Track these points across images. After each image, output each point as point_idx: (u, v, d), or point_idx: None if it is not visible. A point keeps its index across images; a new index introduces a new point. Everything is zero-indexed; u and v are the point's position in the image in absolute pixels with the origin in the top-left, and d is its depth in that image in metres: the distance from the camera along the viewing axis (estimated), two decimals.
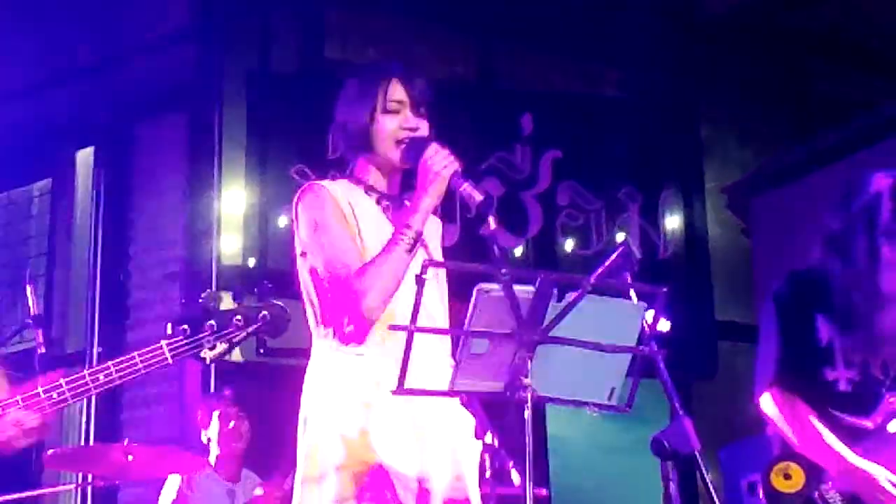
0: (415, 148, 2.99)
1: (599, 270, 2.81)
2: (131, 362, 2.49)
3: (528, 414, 2.71)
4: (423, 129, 3.07)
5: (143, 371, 2.51)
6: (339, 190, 3.04)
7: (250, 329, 2.57)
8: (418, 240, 2.95)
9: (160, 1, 7.14)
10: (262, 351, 6.40)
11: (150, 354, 2.50)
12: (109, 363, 2.49)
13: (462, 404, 3.13)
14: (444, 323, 3.05)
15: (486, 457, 4.00)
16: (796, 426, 3.26)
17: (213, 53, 6.87)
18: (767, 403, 3.31)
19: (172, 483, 5.36)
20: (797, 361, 3.27)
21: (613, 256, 2.89)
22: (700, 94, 7.97)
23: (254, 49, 7.11)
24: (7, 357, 6.40)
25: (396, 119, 3.03)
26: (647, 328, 2.83)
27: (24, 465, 6.40)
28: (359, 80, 3.11)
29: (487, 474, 4.01)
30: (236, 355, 6.56)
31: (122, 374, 2.49)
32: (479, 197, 2.94)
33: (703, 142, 7.93)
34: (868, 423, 3.25)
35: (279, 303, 2.63)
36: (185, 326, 2.53)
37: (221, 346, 2.55)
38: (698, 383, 7.19)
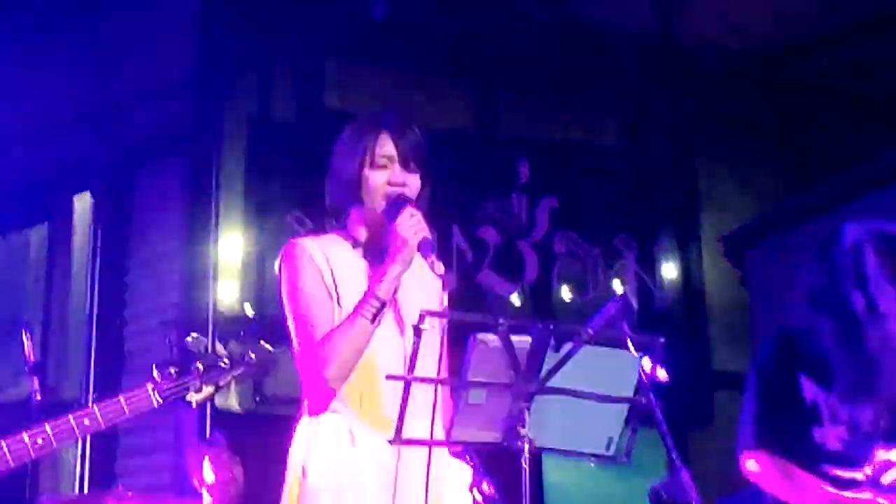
0: (393, 208, 2.97)
1: (597, 321, 2.80)
2: (116, 406, 2.48)
3: (525, 464, 2.70)
4: (412, 184, 3.03)
5: (128, 414, 2.50)
6: (318, 247, 3.02)
7: (236, 372, 2.56)
8: (382, 309, 2.91)
9: (161, 47, 7.17)
10: (258, 399, 6.43)
11: (136, 397, 2.50)
12: (94, 406, 2.48)
13: (457, 454, 3.13)
14: (431, 374, 3.01)
15: None
16: (784, 480, 3.26)
17: (212, 99, 6.90)
18: (752, 466, 3.32)
19: None
20: (781, 424, 3.28)
21: (611, 307, 2.89)
22: (697, 143, 8.01)
23: (253, 96, 7.15)
24: (2, 405, 6.39)
25: (385, 174, 3.00)
26: (644, 378, 2.83)
27: None
28: (351, 131, 3.09)
29: None
30: (233, 403, 6.61)
31: (107, 417, 2.48)
32: (440, 269, 2.95)
33: (699, 190, 7.95)
34: (860, 476, 3.24)
35: (266, 346, 2.62)
36: (172, 369, 2.52)
37: (208, 389, 2.55)
38: (695, 433, 7.17)
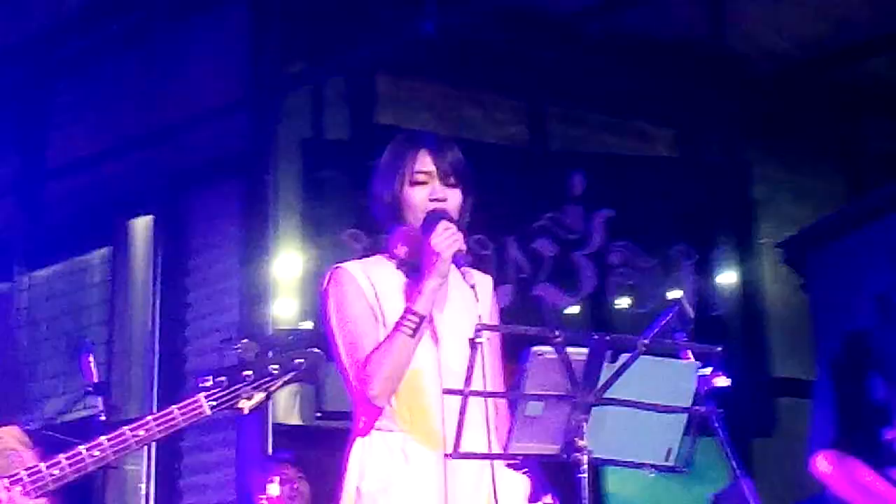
0: (429, 223, 2.98)
1: (653, 331, 2.80)
2: (170, 416, 2.51)
3: (584, 476, 2.70)
4: (453, 199, 3.03)
5: (182, 424, 2.52)
6: (361, 270, 3.05)
7: (287, 377, 2.58)
8: (422, 324, 2.93)
9: (214, 69, 7.26)
10: (320, 414, 6.47)
11: (189, 407, 2.52)
12: (149, 417, 2.51)
13: (514, 466, 3.14)
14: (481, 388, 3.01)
15: None
16: (852, 482, 3.22)
17: (266, 121, 6.96)
18: (822, 464, 3.28)
19: None
20: (852, 423, 3.24)
21: (666, 316, 2.88)
22: (752, 150, 7.95)
23: (306, 116, 7.21)
24: (68, 424, 6.49)
25: (425, 190, 3.01)
26: (703, 386, 2.81)
27: None
28: (389, 151, 3.11)
29: None
30: (294, 418, 6.64)
31: (161, 427, 2.51)
32: (470, 281, 2.93)
33: (756, 198, 7.89)
34: None
35: (317, 350, 2.64)
36: (223, 378, 2.54)
37: (259, 396, 2.56)
38: (757, 441, 7.10)
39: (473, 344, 2.69)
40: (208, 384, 2.56)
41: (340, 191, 6.99)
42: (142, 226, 7.47)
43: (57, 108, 7.88)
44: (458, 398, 2.71)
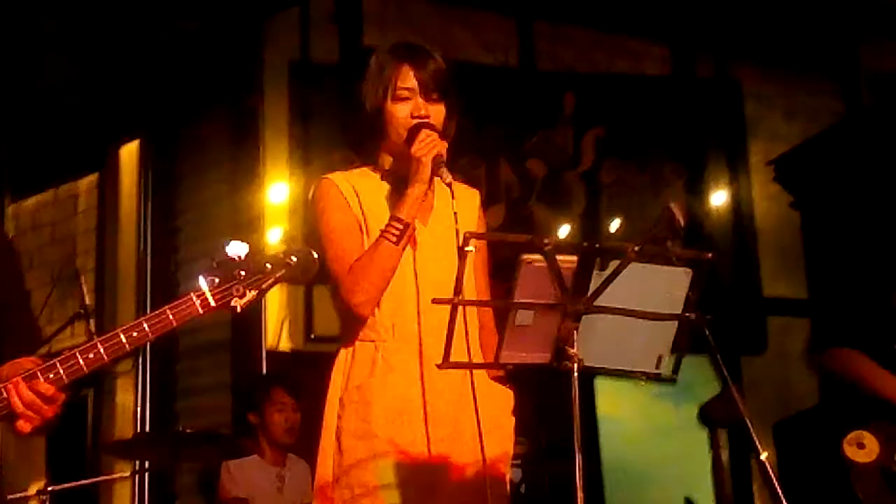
0: (412, 134, 3.00)
1: (643, 237, 2.79)
2: (162, 316, 2.50)
3: (575, 384, 2.70)
4: (436, 115, 3.06)
5: (175, 324, 2.51)
6: (346, 181, 3.07)
7: (279, 274, 2.56)
8: (407, 231, 2.96)
9: None
10: (312, 337, 6.48)
11: (181, 306, 2.51)
12: (141, 319, 2.50)
13: (498, 379, 3.15)
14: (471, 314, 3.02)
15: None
16: (865, 370, 3.24)
17: (252, 44, 6.89)
18: (840, 359, 3.30)
19: (225, 469, 5.40)
20: (868, 328, 3.27)
21: (657, 222, 2.86)
22: (745, 69, 7.89)
23: (293, 38, 7.13)
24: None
25: (407, 106, 3.04)
26: (691, 295, 2.80)
27: (81, 455, 6.49)
28: (373, 64, 3.12)
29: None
30: (285, 343, 6.65)
31: (154, 328, 2.50)
32: (447, 178, 2.93)
33: (747, 117, 7.85)
34: None
35: (306, 248, 2.63)
36: (214, 277, 2.53)
37: (251, 294, 2.54)
38: (747, 359, 7.14)
39: (462, 252, 2.68)
40: (200, 283, 2.55)
41: (330, 114, 6.93)
42: (129, 151, 7.43)
43: (41, 33, 7.79)
44: (441, 309, 2.74)
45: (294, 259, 2.57)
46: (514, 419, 3.14)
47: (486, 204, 7.22)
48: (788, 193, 7.60)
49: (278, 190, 6.81)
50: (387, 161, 3.12)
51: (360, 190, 3.07)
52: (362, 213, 3.04)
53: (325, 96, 6.97)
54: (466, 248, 2.70)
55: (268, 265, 2.55)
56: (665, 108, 7.59)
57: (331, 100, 6.85)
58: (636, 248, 2.68)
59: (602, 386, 6.74)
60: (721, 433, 2.92)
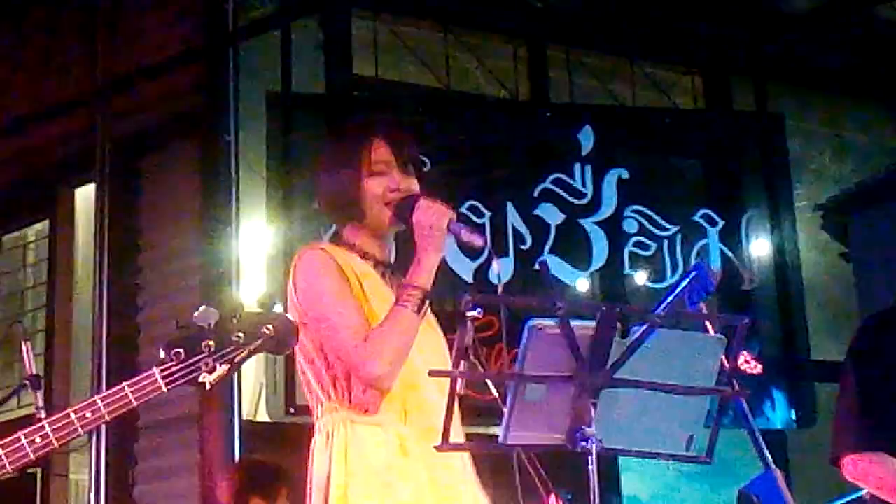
0: (405, 206, 3.13)
1: (670, 299, 2.79)
2: (120, 395, 2.50)
3: (592, 468, 2.69)
4: (414, 188, 3.20)
5: (134, 403, 2.51)
6: (341, 256, 3.17)
7: (253, 346, 2.56)
8: (426, 300, 3.06)
9: (165, 17, 7.23)
10: (292, 410, 6.46)
11: (141, 383, 2.51)
12: (96, 397, 2.50)
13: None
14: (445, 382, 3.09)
15: None
16: (889, 481, 3.25)
17: (224, 73, 6.93)
18: (855, 469, 3.32)
19: None
20: (886, 420, 3.27)
21: (686, 281, 2.87)
22: (787, 100, 7.94)
23: (272, 67, 7.18)
24: (2, 424, 6.47)
25: (384, 181, 3.17)
26: (727, 366, 2.80)
27: None
28: (339, 143, 3.30)
29: None
30: (262, 415, 6.62)
31: (110, 408, 2.50)
32: (478, 242, 3.07)
33: (791, 155, 7.88)
34: None
35: (288, 315, 2.64)
36: (180, 350, 2.53)
37: (222, 369, 2.55)
38: (795, 433, 7.12)
39: (463, 318, 2.69)
40: (163, 357, 2.55)
41: (313, 151, 6.95)
42: (84, 196, 7.45)
43: None
44: (432, 386, 2.85)
45: (270, 329, 2.58)
46: None
47: (492, 256, 7.32)
48: (839, 243, 7.62)
49: (254, 240, 6.83)
50: (362, 241, 3.23)
51: (355, 270, 3.16)
52: (363, 294, 3.13)
53: (307, 132, 7.01)
54: (468, 313, 2.71)
55: (241, 335, 2.56)
56: (697, 145, 7.62)
57: (314, 136, 6.89)
58: (662, 313, 2.69)
59: (627, 463, 6.71)
60: None
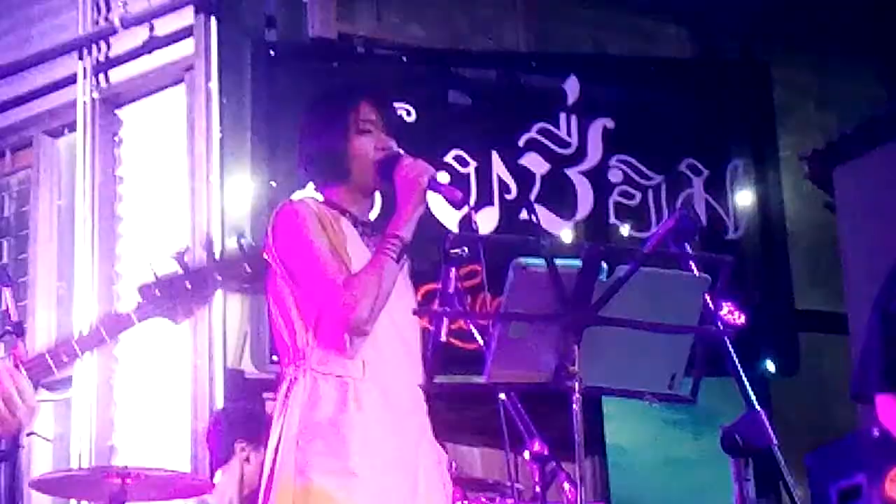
0: (389, 163, 3.26)
1: (654, 239, 2.80)
2: (95, 335, 2.52)
3: (576, 407, 2.71)
4: (395, 147, 3.34)
5: (108, 341, 2.53)
6: (326, 214, 3.27)
7: (230, 286, 2.59)
8: (406, 250, 3.16)
9: None
10: (274, 359, 6.46)
11: (116, 322, 2.52)
12: (72, 340, 2.52)
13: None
14: (413, 336, 3.23)
15: (536, 469, 4.05)
16: None
17: (208, 19, 6.89)
18: (886, 407, 3.34)
19: None
20: None
21: (670, 222, 2.88)
22: (773, 50, 7.92)
23: (259, 16, 7.13)
24: None
25: (370, 139, 3.31)
26: (710, 305, 2.82)
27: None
28: (325, 103, 3.45)
29: (537, 488, 4.06)
30: (247, 364, 6.63)
31: (85, 347, 2.52)
32: (458, 198, 3.19)
33: (777, 103, 7.88)
34: None
35: (266, 256, 2.66)
36: (157, 291, 2.54)
37: (200, 309, 2.57)
38: (777, 381, 7.16)
39: (448, 255, 2.72)
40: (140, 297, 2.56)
41: (300, 103, 6.91)
42: (66, 145, 7.42)
43: None
44: (405, 352, 2.98)
45: (249, 269, 2.60)
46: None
47: (477, 206, 7.37)
48: (823, 192, 7.62)
49: (238, 193, 6.79)
50: (345, 200, 3.33)
51: (336, 227, 3.25)
52: (346, 254, 3.20)
53: (293, 83, 6.97)
54: (452, 251, 2.73)
55: (219, 276, 2.57)
56: (682, 95, 7.60)
57: (301, 86, 6.85)
58: (646, 252, 2.70)
59: (611, 412, 6.75)
60: (746, 464, 2.92)
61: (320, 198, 3.36)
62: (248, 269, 2.60)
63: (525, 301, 2.70)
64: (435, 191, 3.21)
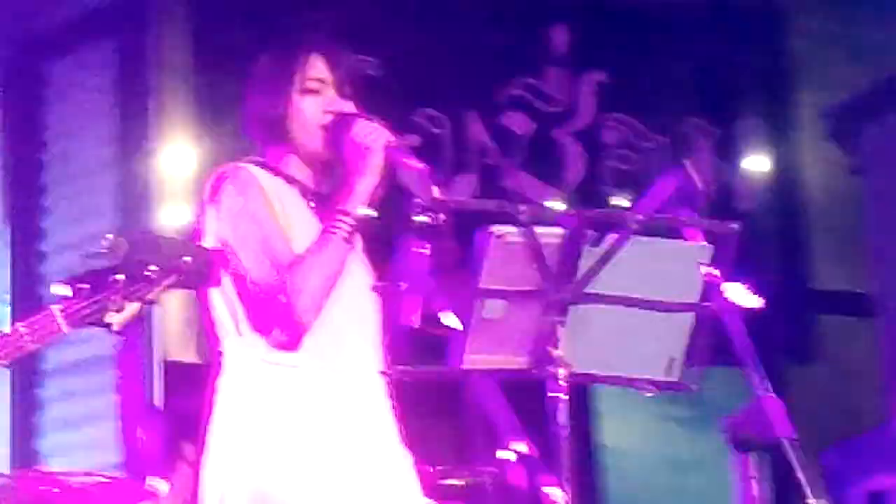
0: (340, 125, 3.20)
1: (648, 203, 2.81)
2: (14, 336, 2.51)
3: (561, 396, 2.72)
4: (350, 111, 3.27)
5: (30, 346, 2.52)
6: (267, 179, 3.25)
7: (168, 281, 2.58)
8: (356, 229, 3.13)
9: None
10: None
11: (39, 324, 2.51)
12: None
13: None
14: (371, 316, 3.22)
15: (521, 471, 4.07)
16: None
17: None
18: None
19: None
20: None
21: (667, 183, 2.89)
22: None
23: None
24: None
25: (318, 100, 3.26)
26: (714, 279, 2.83)
27: None
28: (271, 55, 3.37)
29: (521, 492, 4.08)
30: (191, 355, 6.64)
31: (4, 350, 2.51)
32: (417, 167, 3.08)
33: (795, 58, 7.90)
34: None
35: (209, 248, 2.65)
36: (85, 284, 2.53)
37: (132, 307, 2.56)
38: (794, 368, 7.20)
39: (411, 223, 2.71)
40: (65, 293, 2.55)
41: (246, 57, 6.88)
42: None
43: None
44: (363, 315, 3.00)
45: (188, 260, 2.59)
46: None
47: (453, 172, 7.37)
48: (848, 155, 7.64)
49: (178, 157, 6.79)
50: (290, 166, 3.30)
51: (280, 195, 3.24)
52: (286, 222, 3.20)
53: (239, 34, 6.95)
54: (417, 218, 2.73)
55: (153, 269, 2.56)
56: (688, 45, 7.61)
57: (247, 39, 6.83)
58: (639, 217, 2.71)
59: (606, 407, 6.77)
60: (754, 460, 2.92)
61: (256, 163, 3.34)
62: (188, 261, 2.58)
63: (500, 275, 2.70)
64: (392, 162, 3.13)
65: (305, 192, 3.29)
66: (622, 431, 6.91)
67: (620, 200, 7.28)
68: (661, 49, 7.52)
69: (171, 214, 6.70)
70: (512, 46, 7.37)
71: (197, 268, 2.64)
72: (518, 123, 7.25)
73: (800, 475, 2.96)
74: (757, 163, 7.58)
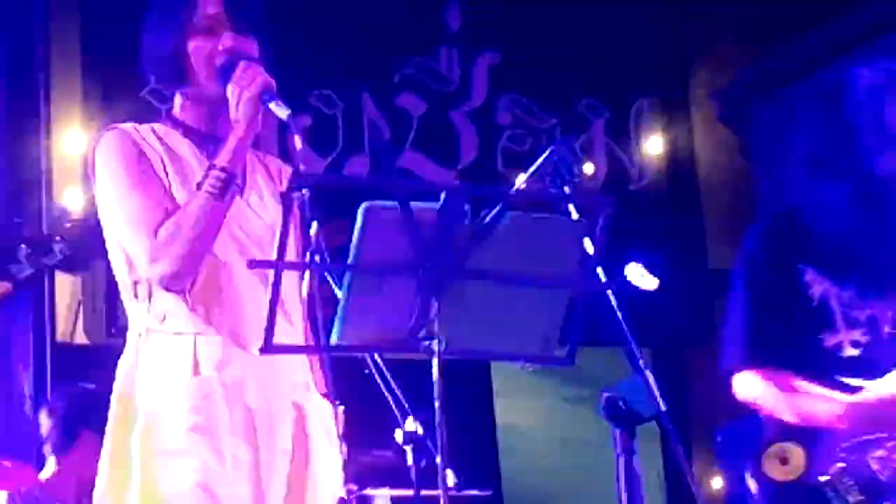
0: (226, 70, 3.08)
1: (525, 178, 2.80)
2: None
3: (435, 373, 2.70)
4: (251, 53, 3.14)
5: None
6: (151, 135, 3.15)
7: (26, 273, 2.54)
8: (231, 182, 3.02)
9: None
10: (113, 331, 6.42)
11: None
12: None
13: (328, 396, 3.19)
14: (289, 287, 3.08)
15: (409, 451, 4.05)
16: (788, 399, 3.33)
17: None
18: (746, 388, 3.40)
19: None
20: (780, 332, 3.34)
21: (544, 158, 2.88)
22: None
23: None
24: None
25: (212, 40, 3.12)
26: (591, 253, 2.82)
27: None
28: None
29: (412, 473, 4.07)
30: (81, 337, 6.56)
31: None
32: (283, 114, 3.00)
33: (689, 38, 7.95)
34: None
35: (86, 229, 2.62)
36: None
37: (2, 286, 2.53)
38: (691, 350, 7.25)
39: (287, 199, 2.68)
40: None
41: (134, 35, 6.82)
42: None
43: None
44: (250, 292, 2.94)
45: (63, 247, 2.55)
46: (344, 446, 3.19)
47: (346, 153, 7.35)
48: (739, 136, 7.71)
49: (68, 140, 6.74)
50: (189, 114, 3.20)
51: (163, 147, 3.13)
52: (166, 175, 3.09)
53: (132, 10, 6.87)
54: (293, 194, 2.69)
55: (28, 250, 2.53)
56: (580, 27, 7.63)
57: (135, 15, 6.75)
58: (516, 190, 2.69)
59: (503, 389, 6.79)
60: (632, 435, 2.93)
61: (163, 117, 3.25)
62: (63, 246, 2.55)
63: (377, 250, 2.67)
64: (265, 105, 3.01)
65: (201, 142, 3.17)
66: (516, 410, 6.93)
67: (516, 180, 7.30)
68: (554, 30, 7.54)
69: (62, 199, 6.65)
70: (405, 26, 7.37)
71: (73, 254, 2.62)
72: (411, 104, 7.25)
73: (678, 449, 2.98)
74: (650, 143, 7.62)
